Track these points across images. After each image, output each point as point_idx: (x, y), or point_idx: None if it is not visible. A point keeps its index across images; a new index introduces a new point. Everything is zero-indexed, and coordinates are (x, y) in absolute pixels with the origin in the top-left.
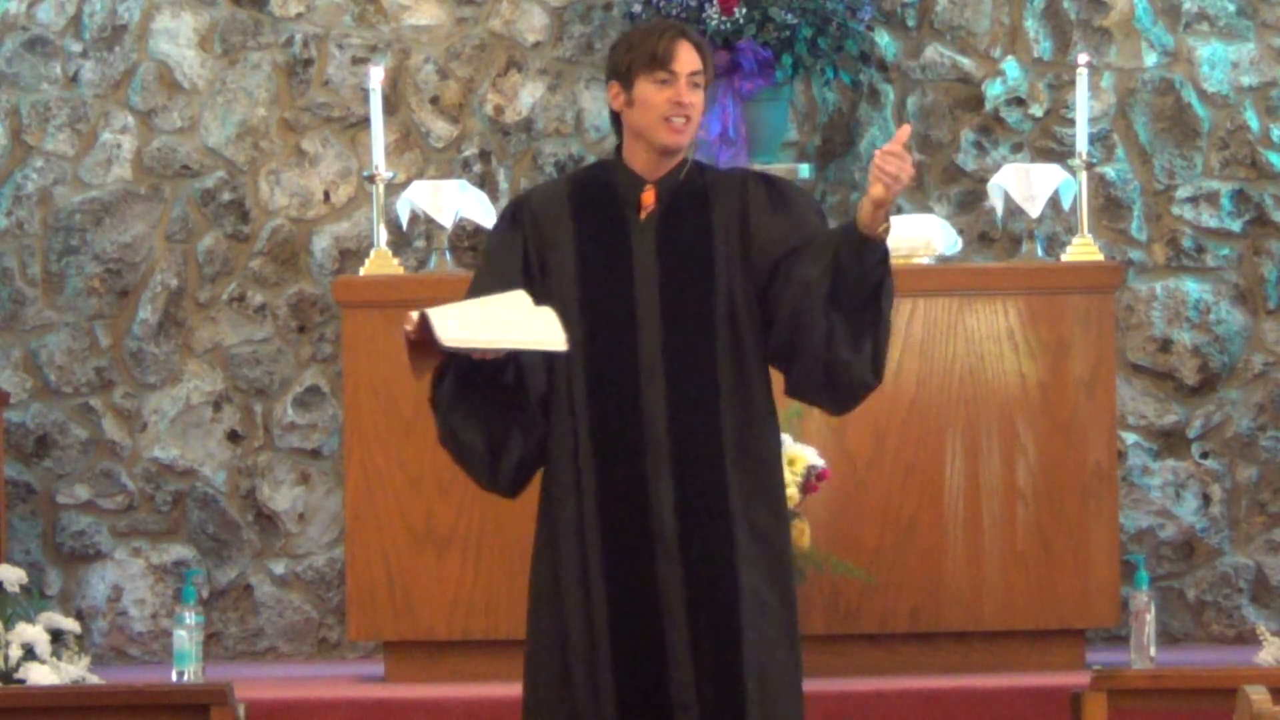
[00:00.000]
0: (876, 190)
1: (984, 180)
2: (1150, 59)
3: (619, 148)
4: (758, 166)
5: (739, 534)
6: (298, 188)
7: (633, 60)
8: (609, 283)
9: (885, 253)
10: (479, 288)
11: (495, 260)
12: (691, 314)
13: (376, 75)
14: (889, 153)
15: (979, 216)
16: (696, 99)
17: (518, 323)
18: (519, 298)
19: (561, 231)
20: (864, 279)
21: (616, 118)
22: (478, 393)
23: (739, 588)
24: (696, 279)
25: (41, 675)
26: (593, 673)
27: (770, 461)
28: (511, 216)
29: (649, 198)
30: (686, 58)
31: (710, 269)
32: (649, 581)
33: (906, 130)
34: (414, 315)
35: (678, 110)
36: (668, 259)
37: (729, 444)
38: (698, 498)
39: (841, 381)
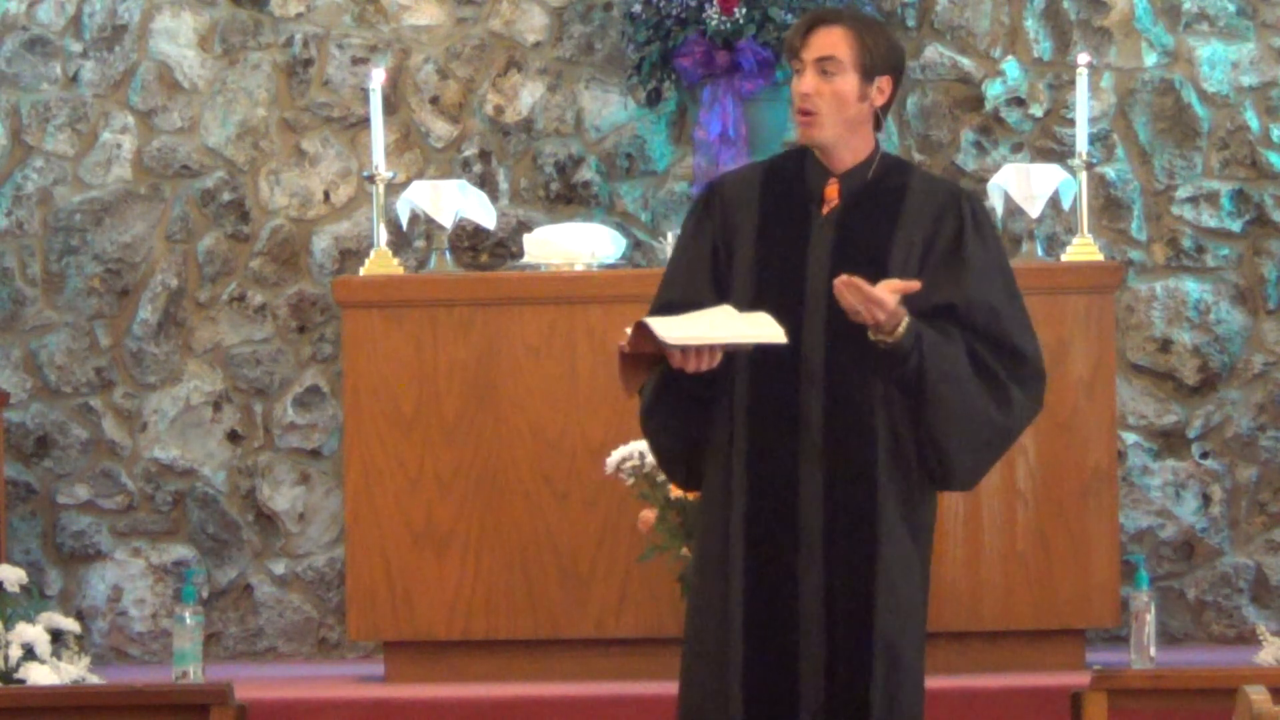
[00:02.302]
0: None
1: (984, 180)
2: (1150, 59)
3: None
4: None
5: (884, 542)
6: (298, 188)
7: (785, 52)
8: (782, 276)
9: (903, 356)
10: (671, 273)
11: (686, 249)
12: (856, 324)
13: (377, 76)
14: (848, 284)
15: None
16: (826, 87)
17: (736, 322)
18: (726, 310)
19: (747, 218)
20: (900, 381)
21: None
22: (675, 400)
23: (875, 595)
24: None
25: (41, 675)
26: (721, 674)
27: (921, 477)
28: (705, 204)
29: (832, 191)
30: (816, 43)
31: (882, 278)
32: (790, 585)
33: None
34: (628, 331)
35: (800, 100)
36: (841, 260)
37: (883, 455)
38: (847, 505)
39: (927, 470)
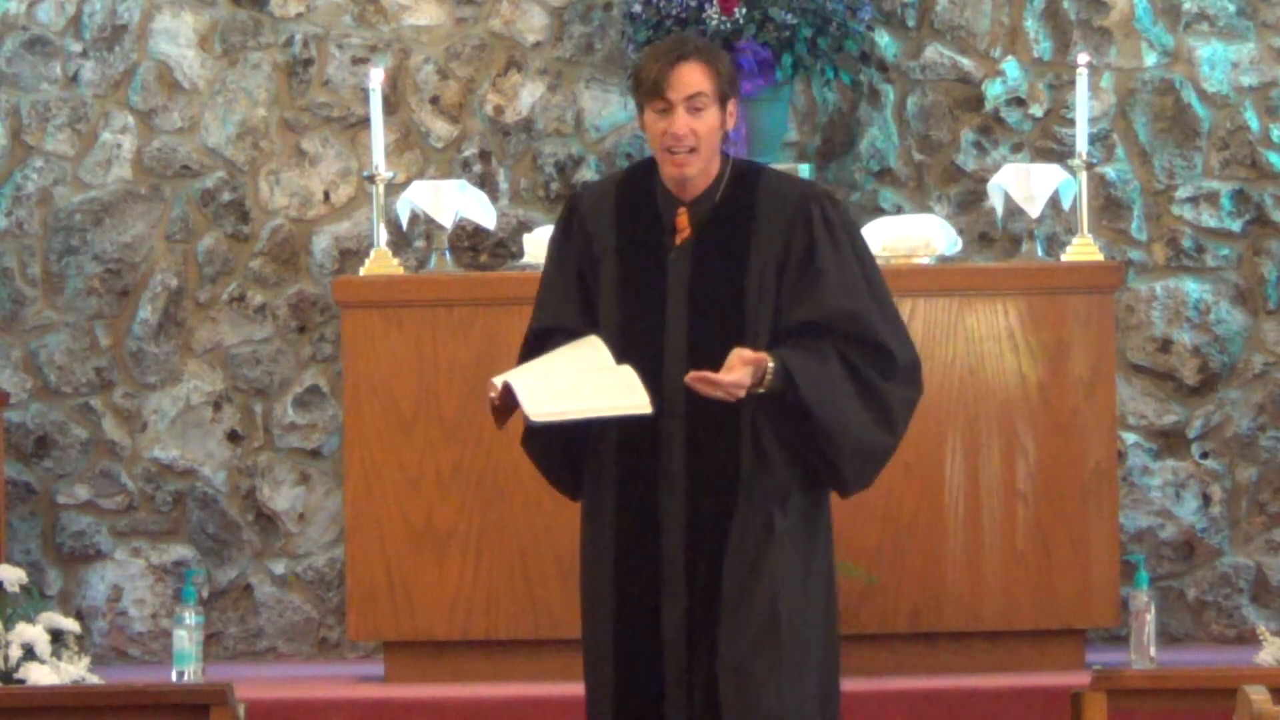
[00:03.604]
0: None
1: (984, 180)
2: (1150, 59)
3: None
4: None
5: (728, 572)
6: (298, 188)
7: (636, 87)
8: (643, 310)
9: (778, 396)
10: (541, 298)
11: (552, 273)
12: (717, 355)
13: (377, 76)
14: (699, 379)
15: (979, 216)
16: (699, 124)
17: (601, 388)
18: (593, 349)
19: (607, 246)
20: (780, 414)
21: None
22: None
23: (719, 621)
24: (726, 318)
25: (41, 675)
26: (599, 699)
27: (788, 505)
28: (565, 224)
29: (682, 221)
30: (683, 81)
31: (740, 309)
32: (654, 616)
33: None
34: (497, 383)
35: (675, 142)
36: (698, 293)
37: (745, 487)
38: (705, 536)
39: (817, 483)
